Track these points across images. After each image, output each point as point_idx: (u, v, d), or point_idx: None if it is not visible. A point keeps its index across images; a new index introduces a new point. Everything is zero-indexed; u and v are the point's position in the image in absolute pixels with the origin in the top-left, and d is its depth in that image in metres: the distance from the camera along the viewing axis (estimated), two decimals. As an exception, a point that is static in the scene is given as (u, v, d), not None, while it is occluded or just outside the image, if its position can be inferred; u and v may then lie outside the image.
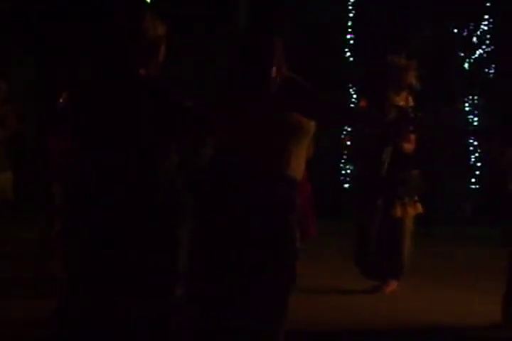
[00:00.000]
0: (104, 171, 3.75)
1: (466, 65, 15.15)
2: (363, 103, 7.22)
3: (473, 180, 15.26)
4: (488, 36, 14.92)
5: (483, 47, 15.04)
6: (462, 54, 15.14)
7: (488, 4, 14.78)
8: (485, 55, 15.05)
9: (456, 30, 14.98)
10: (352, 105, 12.87)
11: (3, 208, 7.97)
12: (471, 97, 15.35)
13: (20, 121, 7.58)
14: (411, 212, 6.85)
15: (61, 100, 5.58)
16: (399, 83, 6.77)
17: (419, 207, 6.91)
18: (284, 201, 3.84)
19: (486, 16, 14.90)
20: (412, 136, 6.70)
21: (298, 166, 3.89)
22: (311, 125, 3.89)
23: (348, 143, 12.44)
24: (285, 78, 3.81)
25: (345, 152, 14.95)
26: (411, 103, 6.83)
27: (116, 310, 3.69)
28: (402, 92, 6.79)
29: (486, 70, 15.15)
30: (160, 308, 3.75)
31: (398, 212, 6.78)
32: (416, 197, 6.89)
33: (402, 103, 6.75)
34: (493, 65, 14.99)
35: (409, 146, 6.77)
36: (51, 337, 3.83)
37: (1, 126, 7.42)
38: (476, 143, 15.23)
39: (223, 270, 3.86)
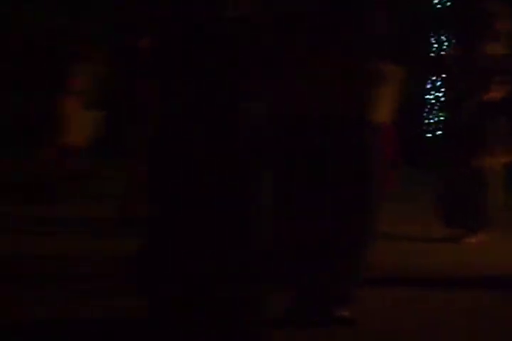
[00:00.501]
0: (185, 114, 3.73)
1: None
2: (453, 51, 7.10)
3: None
4: None
5: None
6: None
7: None
8: None
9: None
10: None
11: (94, 145, 8.21)
12: None
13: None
14: (499, 161, 6.72)
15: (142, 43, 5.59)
16: (491, 30, 6.59)
17: (507, 157, 6.77)
18: (366, 147, 3.83)
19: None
20: (502, 88, 6.59)
21: (381, 112, 3.87)
22: (398, 72, 3.88)
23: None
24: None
25: (433, 100, 14.71)
26: (503, 51, 6.66)
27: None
28: (496, 40, 6.62)
29: None
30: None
31: (486, 161, 6.65)
32: (503, 146, 6.75)
33: (494, 51, 6.59)
34: None
35: (496, 94, 6.61)
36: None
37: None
38: None
39: (304, 213, 3.88)
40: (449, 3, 14.44)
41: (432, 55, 14.54)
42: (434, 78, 14.62)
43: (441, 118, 14.73)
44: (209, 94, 3.66)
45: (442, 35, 14.54)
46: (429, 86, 14.87)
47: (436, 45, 14.56)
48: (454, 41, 13.79)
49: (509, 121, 6.78)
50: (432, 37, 14.44)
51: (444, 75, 13.84)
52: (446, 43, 14.43)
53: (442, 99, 14.32)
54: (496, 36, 6.61)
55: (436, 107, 14.76)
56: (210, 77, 3.66)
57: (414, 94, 12.79)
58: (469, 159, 6.68)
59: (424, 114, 15.17)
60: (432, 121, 15.07)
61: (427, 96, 14.88)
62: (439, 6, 14.66)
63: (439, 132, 14.76)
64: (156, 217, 3.69)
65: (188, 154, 3.65)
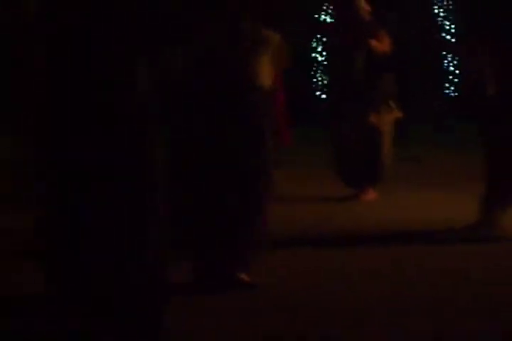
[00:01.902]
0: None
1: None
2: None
3: (452, 87, 15.24)
4: None
5: None
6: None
7: None
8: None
9: None
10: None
11: None
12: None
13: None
14: (387, 117, 6.82)
15: None
16: None
17: (397, 112, 6.88)
18: (255, 107, 3.91)
19: None
20: (385, 38, 6.69)
21: (265, 75, 3.96)
22: (275, 37, 4.01)
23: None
24: None
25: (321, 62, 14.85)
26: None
27: None
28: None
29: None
30: None
31: (373, 118, 6.74)
32: (392, 103, 6.85)
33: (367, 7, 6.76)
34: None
35: (381, 46, 6.68)
36: None
37: None
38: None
39: (202, 174, 3.91)
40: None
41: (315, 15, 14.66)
42: (319, 38, 14.75)
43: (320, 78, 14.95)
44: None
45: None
46: (314, 45, 14.99)
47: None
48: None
49: (396, 77, 6.88)
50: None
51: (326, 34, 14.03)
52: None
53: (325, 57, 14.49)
54: None
55: (322, 67, 14.93)
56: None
57: (301, 55, 12.88)
58: (361, 116, 6.74)
59: (313, 73, 15.30)
60: (320, 79, 15.22)
61: (315, 56, 15.00)
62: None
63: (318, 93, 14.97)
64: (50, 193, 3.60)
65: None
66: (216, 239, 4.00)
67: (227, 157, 3.95)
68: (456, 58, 14.97)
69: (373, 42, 6.61)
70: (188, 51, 4.04)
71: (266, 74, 4.04)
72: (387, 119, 6.83)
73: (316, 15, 14.65)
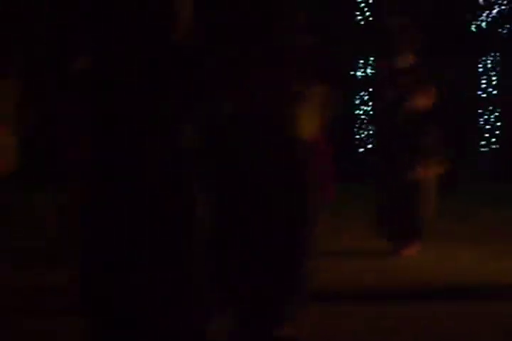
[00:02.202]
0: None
1: (484, 24, 15.02)
2: (380, 65, 7.31)
3: (493, 139, 15.18)
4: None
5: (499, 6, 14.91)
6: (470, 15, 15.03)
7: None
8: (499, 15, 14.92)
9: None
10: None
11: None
12: (491, 56, 15.24)
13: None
14: (431, 173, 6.80)
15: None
16: (407, 43, 6.78)
17: (442, 167, 6.86)
18: (298, 162, 3.91)
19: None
20: (430, 94, 6.72)
21: (307, 128, 3.98)
22: (318, 89, 4.03)
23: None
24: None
25: (362, 116, 14.91)
26: (412, 61, 6.84)
27: None
28: (411, 52, 6.80)
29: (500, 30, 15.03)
30: None
31: (418, 173, 6.73)
32: (435, 157, 6.84)
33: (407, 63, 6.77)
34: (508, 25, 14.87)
35: (424, 101, 6.72)
36: None
37: None
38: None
39: (241, 236, 3.89)
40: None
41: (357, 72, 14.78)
42: (361, 93, 14.84)
43: (371, 131, 14.97)
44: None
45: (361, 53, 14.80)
46: (357, 101, 15.07)
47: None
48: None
49: (439, 131, 6.88)
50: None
51: (370, 89, 14.10)
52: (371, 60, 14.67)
53: (371, 112, 14.56)
54: (407, 49, 6.80)
55: (365, 121, 14.98)
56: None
57: (344, 111, 12.95)
58: (404, 171, 6.74)
59: (355, 129, 15.35)
60: (362, 135, 15.25)
61: (357, 112, 15.08)
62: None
63: (370, 145, 14.96)
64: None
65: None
66: (259, 292, 3.96)
67: (272, 214, 3.93)
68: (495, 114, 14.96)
69: (417, 99, 6.65)
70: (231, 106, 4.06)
71: (310, 129, 4.03)
72: (430, 175, 6.81)
73: (352, 72, 14.77)
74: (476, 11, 14.90)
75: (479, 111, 15.09)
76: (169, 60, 3.67)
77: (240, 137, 3.98)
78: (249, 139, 3.97)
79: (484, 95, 15.14)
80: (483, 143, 15.14)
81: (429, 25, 9.14)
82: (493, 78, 15.21)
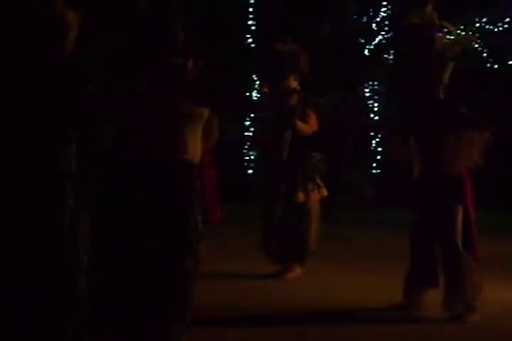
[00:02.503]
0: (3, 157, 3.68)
1: (366, 51, 15.37)
2: (264, 89, 7.34)
3: (374, 164, 15.51)
4: (387, 22, 15.17)
5: (383, 33, 15.28)
6: (362, 40, 15.35)
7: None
8: (384, 41, 15.29)
9: (355, 17, 15.18)
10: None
11: None
12: (371, 83, 15.59)
13: None
14: (314, 196, 6.92)
15: None
16: (292, 69, 6.88)
17: (324, 191, 6.99)
18: (185, 184, 3.93)
19: (385, 3, 15.14)
20: (313, 120, 6.84)
21: (195, 151, 4.00)
22: (204, 112, 4.05)
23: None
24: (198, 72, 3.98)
25: (249, 139, 15.01)
26: (299, 87, 6.97)
27: None
28: (297, 77, 6.92)
29: (386, 56, 15.39)
30: None
31: (300, 197, 6.83)
32: (319, 181, 6.96)
33: (298, 88, 6.90)
34: (392, 51, 15.24)
35: (306, 128, 6.83)
36: None
37: None
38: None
39: (127, 258, 3.87)
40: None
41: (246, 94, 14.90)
42: (250, 116, 14.95)
43: (253, 156, 15.09)
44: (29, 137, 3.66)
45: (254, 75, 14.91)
46: (247, 123, 15.18)
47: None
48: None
49: (322, 157, 7.00)
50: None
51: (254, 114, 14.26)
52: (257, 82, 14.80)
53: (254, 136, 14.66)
54: (297, 73, 6.92)
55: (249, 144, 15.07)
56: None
57: (231, 132, 13.03)
58: (287, 195, 6.83)
59: (244, 151, 15.44)
60: (251, 157, 15.35)
61: (246, 134, 15.17)
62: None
63: (250, 171, 15.08)
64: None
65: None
66: (138, 317, 3.95)
67: (154, 233, 3.93)
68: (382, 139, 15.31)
69: (299, 125, 6.77)
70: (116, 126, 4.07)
71: (195, 149, 4.06)
72: (314, 198, 6.92)
73: (248, 94, 14.89)
74: (368, 37, 15.26)
75: (363, 136, 15.42)
76: (53, 81, 3.69)
77: (125, 162, 3.98)
78: (135, 163, 3.97)
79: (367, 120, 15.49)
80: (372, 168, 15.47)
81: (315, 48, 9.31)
82: (375, 104, 15.59)
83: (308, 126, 6.84)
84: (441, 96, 5.63)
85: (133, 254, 3.91)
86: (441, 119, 5.49)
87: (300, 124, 6.77)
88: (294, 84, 6.91)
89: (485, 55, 14.80)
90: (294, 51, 6.90)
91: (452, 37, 5.83)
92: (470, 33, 13.34)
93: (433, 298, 5.61)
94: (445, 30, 5.81)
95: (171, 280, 3.95)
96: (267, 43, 7.44)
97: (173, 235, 3.95)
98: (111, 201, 3.97)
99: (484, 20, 14.83)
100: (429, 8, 5.75)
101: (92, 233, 3.90)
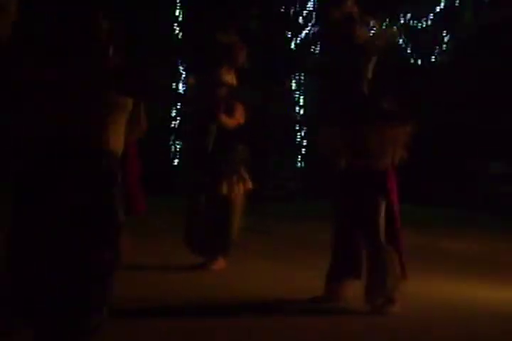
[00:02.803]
0: None
1: (293, 45, 15.45)
2: (191, 80, 7.29)
3: (299, 158, 15.62)
4: (314, 16, 15.27)
5: (309, 27, 15.38)
6: (289, 33, 15.42)
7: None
8: (311, 35, 15.39)
9: (282, 10, 15.24)
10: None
11: None
12: (297, 76, 15.68)
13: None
14: (239, 189, 6.92)
15: None
16: (229, 61, 6.84)
17: (249, 184, 7.00)
18: (105, 174, 3.89)
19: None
20: (239, 112, 6.84)
21: (117, 141, 3.96)
22: (128, 102, 4.00)
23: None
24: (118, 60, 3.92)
25: (175, 129, 14.95)
26: (235, 82, 6.93)
27: None
28: (231, 71, 6.88)
29: (312, 50, 15.50)
30: None
31: (224, 189, 6.83)
32: (245, 174, 6.97)
33: (230, 81, 6.85)
34: (319, 45, 15.35)
35: (231, 121, 6.83)
36: None
37: None
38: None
39: (44, 248, 3.83)
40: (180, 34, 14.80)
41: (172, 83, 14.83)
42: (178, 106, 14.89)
43: (178, 146, 15.04)
44: None
45: (180, 65, 14.86)
46: (173, 114, 15.10)
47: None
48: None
49: (247, 149, 7.02)
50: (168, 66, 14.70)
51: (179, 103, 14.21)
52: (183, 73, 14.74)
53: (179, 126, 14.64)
54: (233, 66, 6.88)
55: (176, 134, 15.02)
56: None
57: (160, 121, 12.98)
58: (213, 187, 6.82)
59: (170, 142, 15.37)
60: (176, 147, 15.30)
61: (173, 123, 15.10)
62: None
63: (177, 160, 15.02)
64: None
65: None
66: (56, 306, 3.90)
67: (74, 224, 3.88)
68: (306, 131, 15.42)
69: (223, 118, 6.76)
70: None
71: (118, 139, 4.01)
72: (238, 190, 6.93)
73: (174, 84, 14.83)
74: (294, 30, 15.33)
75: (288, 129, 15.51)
76: None
77: (42, 150, 3.92)
78: (53, 151, 3.91)
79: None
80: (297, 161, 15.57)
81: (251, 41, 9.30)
82: (300, 97, 15.68)
83: (233, 119, 6.83)
84: (365, 90, 5.69)
85: (51, 244, 3.86)
86: (364, 114, 5.56)
87: (224, 118, 6.77)
88: (226, 76, 6.85)
89: (409, 50, 15.04)
90: (232, 43, 6.86)
91: (374, 31, 5.89)
92: (394, 27, 13.54)
93: (354, 290, 5.68)
94: (369, 25, 5.87)
95: (88, 272, 3.90)
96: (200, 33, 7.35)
97: (91, 225, 3.91)
98: (29, 190, 3.91)
99: (409, 16, 15.05)
100: (349, 2, 5.79)
101: (11, 222, 3.84)
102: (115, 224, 3.96)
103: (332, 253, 5.76)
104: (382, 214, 5.56)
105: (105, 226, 3.92)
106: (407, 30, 14.66)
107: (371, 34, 5.79)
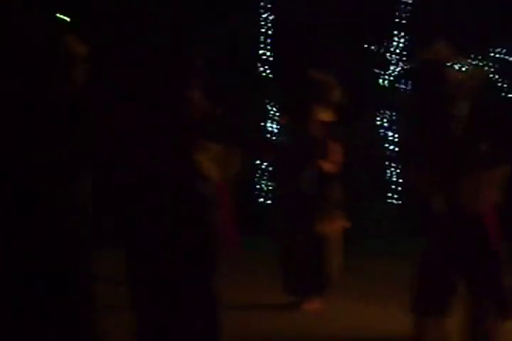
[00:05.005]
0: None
1: (381, 81, 15.39)
2: (283, 120, 7.33)
3: (390, 194, 15.46)
4: (405, 53, 15.20)
5: (400, 63, 15.31)
6: (378, 71, 15.38)
7: (403, 21, 15.06)
8: (401, 72, 15.31)
9: (372, 47, 15.22)
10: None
11: None
12: (387, 112, 15.59)
13: None
14: (335, 226, 6.88)
15: None
16: (323, 99, 6.84)
17: (345, 222, 6.95)
18: (205, 198, 3.98)
19: (402, 33, 15.18)
20: (337, 156, 6.83)
21: (212, 169, 4.19)
22: (214, 146, 4.15)
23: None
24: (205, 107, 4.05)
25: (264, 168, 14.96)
26: (332, 119, 6.92)
27: None
28: (326, 108, 6.87)
29: (402, 87, 15.40)
30: None
31: (323, 227, 6.80)
32: (340, 212, 6.93)
33: (326, 119, 6.85)
34: (409, 82, 15.25)
35: (330, 166, 6.83)
36: None
37: None
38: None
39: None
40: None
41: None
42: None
43: (270, 187, 15.02)
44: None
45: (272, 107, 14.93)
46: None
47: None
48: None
49: (345, 187, 6.99)
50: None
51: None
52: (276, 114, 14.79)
53: (270, 168, 14.63)
54: (327, 104, 6.88)
55: (266, 175, 15.01)
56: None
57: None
58: (309, 226, 6.80)
59: (256, 180, 15.38)
60: (264, 188, 15.28)
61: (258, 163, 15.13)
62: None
63: (269, 201, 14.99)
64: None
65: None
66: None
67: (176, 250, 3.98)
68: (399, 168, 15.27)
69: (325, 166, 6.75)
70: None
71: (212, 169, 4.12)
72: (334, 228, 6.89)
73: (263, 124, 14.90)
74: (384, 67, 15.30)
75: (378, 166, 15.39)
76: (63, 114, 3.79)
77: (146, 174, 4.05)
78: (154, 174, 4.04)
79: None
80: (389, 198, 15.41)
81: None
82: (390, 134, 15.57)
83: (333, 165, 6.82)
84: (457, 131, 5.57)
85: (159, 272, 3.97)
86: (461, 158, 5.45)
87: (326, 166, 6.76)
88: (321, 115, 6.87)
89: (505, 85, 14.79)
90: (327, 80, 6.88)
91: (466, 72, 5.79)
92: (490, 63, 13.37)
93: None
94: (459, 65, 5.79)
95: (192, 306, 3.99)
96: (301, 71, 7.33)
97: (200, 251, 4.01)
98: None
99: (504, 51, 14.84)
100: (442, 43, 5.72)
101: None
102: (215, 255, 4.05)
103: (420, 293, 5.55)
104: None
105: (211, 254, 4.01)
106: (501, 64, 14.44)
107: (463, 74, 5.70)
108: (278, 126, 13.93)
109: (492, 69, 14.26)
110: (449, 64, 5.61)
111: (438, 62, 5.63)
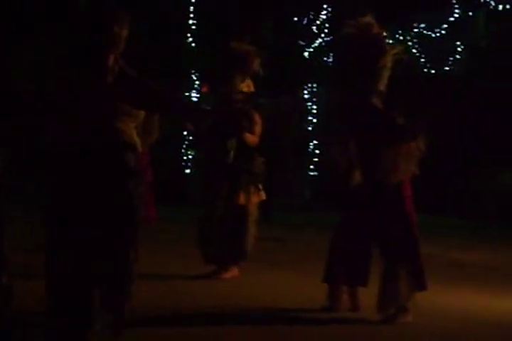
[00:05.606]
0: None
1: (306, 54, 15.46)
2: (204, 89, 7.32)
3: (311, 166, 15.62)
4: (327, 25, 15.27)
5: (323, 36, 15.39)
6: (302, 43, 15.43)
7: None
8: (324, 44, 15.40)
9: (296, 19, 15.25)
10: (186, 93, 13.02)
11: None
12: (310, 85, 15.68)
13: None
14: (254, 199, 6.93)
15: None
16: (244, 69, 6.84)
17: (263, 195, 7.01)
18: (127, 166, 4.03)
19: (325, 6, 15.25)
20: (258, 127, 6.86)
21: (133, 136, 4.13)
22: (140, 112, 4.13)
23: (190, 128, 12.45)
24: (120, 68, 4.01)
25: (187, 138, 14.94)
26: (252, 89, 6.94)
27: None
28: (246, 79, 6.88)
29: (325, 59, 15.51)
30: None
31: (242, 199, 6.84)
32: (260, 185, 6.98)
33: (245, 89, 6.85)
34: (332, 54, 15.35)
35: (253, 138, 6.86)
36: None
37: None
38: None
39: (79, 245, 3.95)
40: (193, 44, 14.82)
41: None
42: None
43: (190, 156, 15.02)
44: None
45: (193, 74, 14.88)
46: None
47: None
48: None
49: (264, 161, 7.03)
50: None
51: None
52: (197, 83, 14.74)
53: (190, 137, 14.62)
54: (247, 74, 6.88)
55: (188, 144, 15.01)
56: None
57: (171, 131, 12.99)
58: (228, 197, 6.82)
59: (183, 151, 15.36)
60: (190, 157, 15.28)
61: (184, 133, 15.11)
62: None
63: (188, 170, 15.00)
64: None
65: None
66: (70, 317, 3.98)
67: (102, 218, 3.98)
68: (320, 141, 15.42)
69: (246, 137, 6.78)
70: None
71: (133, 136, 4.12)
72: (254, 200, 6.94)
73: (187, 94, 14.85)
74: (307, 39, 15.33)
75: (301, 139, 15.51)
76: None
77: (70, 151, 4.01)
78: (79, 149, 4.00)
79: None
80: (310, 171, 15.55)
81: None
82: (313, 107, 15.68)
83: (255, 136, 6.85)
84: (379, 105, 5.63)
85: (85, 243, 3.97)
86: (379, 130, 5.52)
87: (248, 137, 6.78)
88: (241, 85, 6.85)
89: (422, 60, 15.02)
90: (248, 51, 6.86)
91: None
92: (408, 38, 13.52)
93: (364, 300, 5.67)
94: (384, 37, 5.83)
95: (108, 277, 4.00)
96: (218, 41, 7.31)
97: (120, 221, 4.01)
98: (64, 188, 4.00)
99: (422, 25, 15.03)
100: (369, 16, 5.75)
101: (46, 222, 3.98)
102: (138, 223, 4.06)
103: (335, 261, 5.65)
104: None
105: (131, 225, 4.01)
106: (420, 39, 14.64)
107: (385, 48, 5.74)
108: (198, 95, 13.91)
109: (413, 44, 14.44)
110: (372, 37, 5.66)
111: (362, 34, 5.67)
